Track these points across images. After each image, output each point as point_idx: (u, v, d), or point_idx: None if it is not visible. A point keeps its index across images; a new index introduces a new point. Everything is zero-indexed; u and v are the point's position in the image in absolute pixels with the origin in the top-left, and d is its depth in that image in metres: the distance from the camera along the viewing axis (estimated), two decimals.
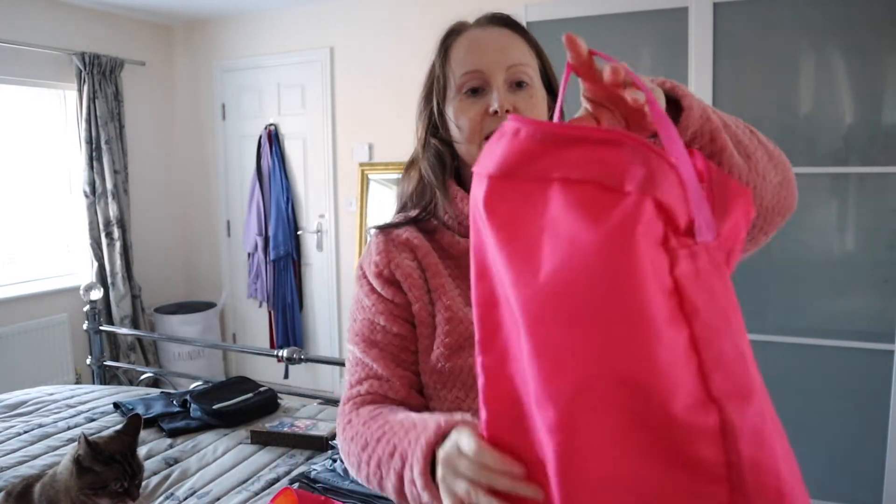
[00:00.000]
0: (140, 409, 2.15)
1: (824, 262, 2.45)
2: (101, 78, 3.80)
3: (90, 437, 1.26)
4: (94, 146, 3.80)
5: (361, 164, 3.83)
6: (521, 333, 0.51)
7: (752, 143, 0.69)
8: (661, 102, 0.59)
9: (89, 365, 2.89)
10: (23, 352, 3.49)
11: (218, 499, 1.66)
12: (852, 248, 2.45)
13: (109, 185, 3.86)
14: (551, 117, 0.90)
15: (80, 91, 3.76)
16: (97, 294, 2.83)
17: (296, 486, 1.66)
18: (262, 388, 2.32)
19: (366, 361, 0.85)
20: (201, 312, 4.18)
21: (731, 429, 0.46)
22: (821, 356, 2.43)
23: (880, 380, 2.34)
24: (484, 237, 0.56)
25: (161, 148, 4.39)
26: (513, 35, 0.86)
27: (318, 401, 2.48)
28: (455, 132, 0.85)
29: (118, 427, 1.38)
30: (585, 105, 0.60)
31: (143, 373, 3.06)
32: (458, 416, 0.67)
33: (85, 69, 3.72)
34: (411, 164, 0.93)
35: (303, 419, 2.08)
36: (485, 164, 0.56)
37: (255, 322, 4.34)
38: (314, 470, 1.74)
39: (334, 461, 1.77)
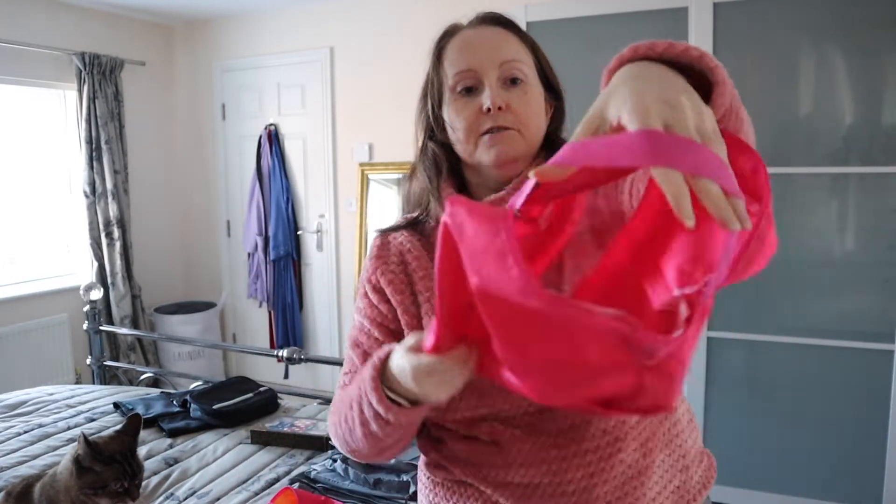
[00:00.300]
0: (140, 409, 2.15)
1: (824, 262, 2.45)
2: (101, 78, 3.80)
3: (90, 437, 1.26)
4: (94, 146, 3.80)
5: (361, 164, 3.83)
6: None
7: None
8: (722, 152, 0.52)
9: (89, 365, 2.89)
10: (23, 352, 3.49)
11: (218, 499, 1.66)
12: (852, 248, 2.45)
13: (109, 185, 3.86)
14: (551, 117, 0.90)
15: (80, 91, 3.76)
16: (97, 294, 2.83)
17: (296, 486, 1.66)
18: (262, 389, 2.32)
19: (353, 359, 0.88)
20: (201, 312, 4.18)
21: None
22: (821, 356, 2.43)
23: (880, 380, 2.34)
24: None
25: (161, 148, 4.38)
26: (505, 33, 0.85)
27: (318, 401, 2.48)
28: (452, 133, 0.86)
29: (118, 427, 1.38)
30: None
31: (143, 373, 3.06)
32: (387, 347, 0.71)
33: (85, 69, 3.72)
34: (414, 167, 0.95)
35: (303, 419, 2.08)
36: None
37: (255, 322, 4.34)
38: (314, 470, 1.74)
39: (334, 461, 1.77)
